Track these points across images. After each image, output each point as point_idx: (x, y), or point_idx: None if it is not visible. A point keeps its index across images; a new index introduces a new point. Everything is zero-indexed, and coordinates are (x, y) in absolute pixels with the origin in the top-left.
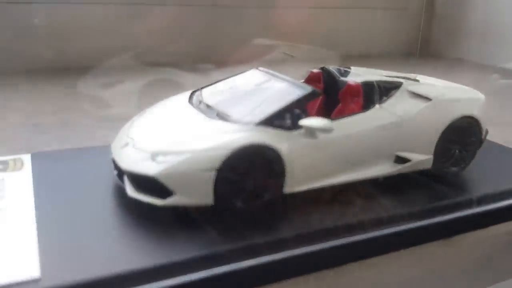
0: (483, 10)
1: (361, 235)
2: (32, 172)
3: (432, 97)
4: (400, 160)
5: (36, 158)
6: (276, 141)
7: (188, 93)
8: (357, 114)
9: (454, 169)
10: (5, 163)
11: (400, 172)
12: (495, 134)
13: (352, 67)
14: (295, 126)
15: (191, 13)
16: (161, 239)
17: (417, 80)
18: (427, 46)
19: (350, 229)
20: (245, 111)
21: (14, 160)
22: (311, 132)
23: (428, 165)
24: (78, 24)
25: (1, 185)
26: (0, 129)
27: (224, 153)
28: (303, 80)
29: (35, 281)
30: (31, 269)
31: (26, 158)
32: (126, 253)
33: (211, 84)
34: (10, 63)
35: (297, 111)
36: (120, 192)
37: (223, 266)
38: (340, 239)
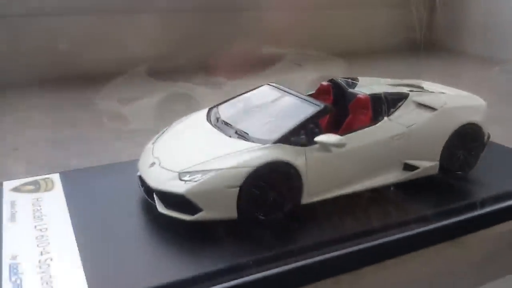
0: (486, 3)
1: (374, 240)
2: (64, 191)
3: (436, 107)
4: (409, 167)
5: (65, 177)
6: (293, 157)
7: (205, 111)
8: (367, 127)
9: (459, 173)
10: (36, 183)
11: (408, 179)
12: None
13: (359, 78)
14: (309, 141)
15: (187, 20)
16: (192, 251)
17: (422, 88)
18: (432, 40)
19: (364, 234)
20: (262, 129)
21: (45, 180)
22: (325, 147)
23: (435, 171)
24: (84, 35)
25: (37, 206)
26: (20, 146)
27: (246, 170)
28: (313, 92)
29: None
30: (80, 285)
31: (55, 178)
32: (161, 266)
33: (226, 101)
34: (23, 74)
35: (311, 126)
36: (148, 207)
37: (249, 276)
38: (355, 245)
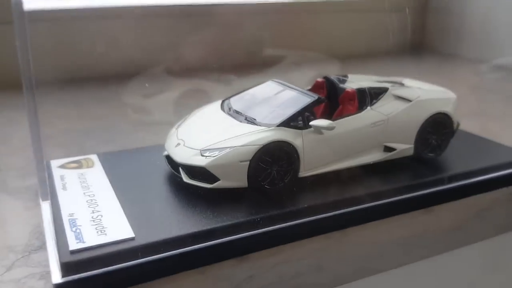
0: (477, 8)
1: (360, 206)
2: (103, 167)
3: (412, 99)
4: (388, 149)
5: (102, 157)
6: (292, 138)
7: (219, 102)
8: (353, 115)
9: (431, 155)
10: (78, 162)
11: (388, 158)
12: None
13: (349, 75)
14: (306, 125)
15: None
16: (212, 211)
17: (402, 84)
18: (423, 43)
19: (351, 201)
20: (267, 116)
21: (85, 159)
22: (318, 130)
23: (410, 153)
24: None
25: (83, 178)
26: (53, 134)
27: (254, 148)
28: (309, 87)
29: (132, 239)
30: (128, 231)
31: (94, 157)
32: (187, 220)
33: (236, 94)
34: (48, 73)
35: (307, 114)
36: (174, 180)
37: (256, 230)
38: (343, 209)
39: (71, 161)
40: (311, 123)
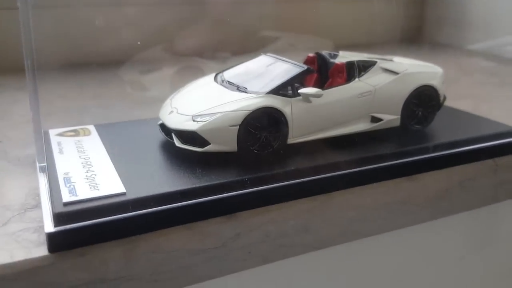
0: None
1: (345, 171)
2: (99, 135)
3: (399, 72)
4: (375, 119)
5: (99, 127)
6: (281, 105)
7: (213, 75)
8: (341, 85)
9: (417, 126)
10: (76, 131)
11: (375, 129)
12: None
13: (340, 52)
14: (295, 94)
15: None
16: (202, 170)
17: (392, 60)
18: (420, 33)
19: (338, 166)
20: (258, 85)
21: (83, 129)
22: (306, 97)
23: (397, 123)
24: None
25: (79, 144)
26: (53, 112)
27: (244, 113)
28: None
29: (123, 194)
30: (119, 187)
31: (91, 127)
32: (178, 178)
33: (230, 67)
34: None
35: (296, 84)
36: (167, 147)
37: (243, 190)
38: (328, 172)
39: (69, 130)
40: (300, 91)
